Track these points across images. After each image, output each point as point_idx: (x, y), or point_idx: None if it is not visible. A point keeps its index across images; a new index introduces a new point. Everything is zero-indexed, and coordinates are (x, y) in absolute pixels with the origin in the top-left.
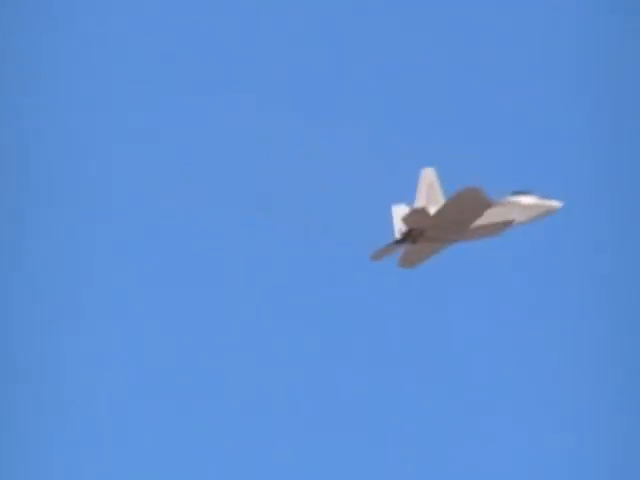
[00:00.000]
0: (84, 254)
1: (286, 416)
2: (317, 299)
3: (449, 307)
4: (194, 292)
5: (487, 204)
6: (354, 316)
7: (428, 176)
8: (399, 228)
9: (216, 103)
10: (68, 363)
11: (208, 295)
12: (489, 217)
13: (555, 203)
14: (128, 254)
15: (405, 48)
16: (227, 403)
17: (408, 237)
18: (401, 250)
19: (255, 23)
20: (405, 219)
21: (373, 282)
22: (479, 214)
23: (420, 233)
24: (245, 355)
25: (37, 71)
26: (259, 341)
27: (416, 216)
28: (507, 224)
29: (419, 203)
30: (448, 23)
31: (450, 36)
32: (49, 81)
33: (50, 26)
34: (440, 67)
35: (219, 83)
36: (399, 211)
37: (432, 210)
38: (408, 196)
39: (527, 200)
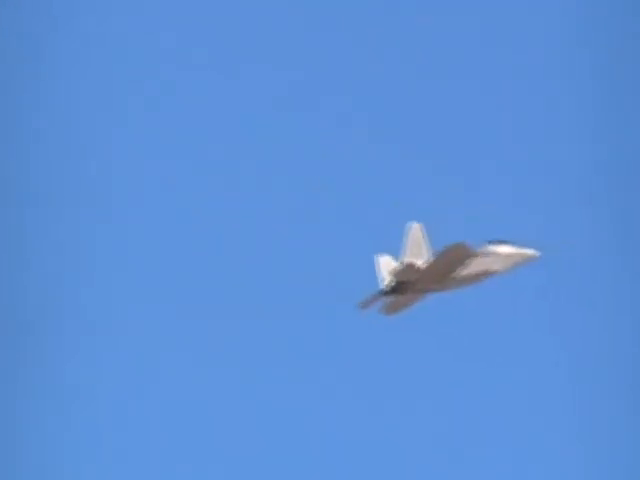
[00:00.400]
0: (84, 253)
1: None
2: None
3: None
4: (194, 296)
5: (472, 256)
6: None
7: (415, 231)
8: (385, 278)
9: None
10: (69, 363)
11: (207, 296)
12: (471, 268)
13: (532, 252)
14: (130, 254)
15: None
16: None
17: (396, 289)
18: (386, 299)
19: (253, 24)
20: (397, 274)
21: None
22: (463, 266)
23: (408, 285)
24: (245, 356)
25: (37, 68)
26: (257, 344)
27: (407, 271)
28: (488, 274)
29: (406, 257)
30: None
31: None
32: (50, 79)
33: (50, 25)
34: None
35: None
36: (383, 261)
37: (420, 263)
38: (390, 246)
39: (505, 250)
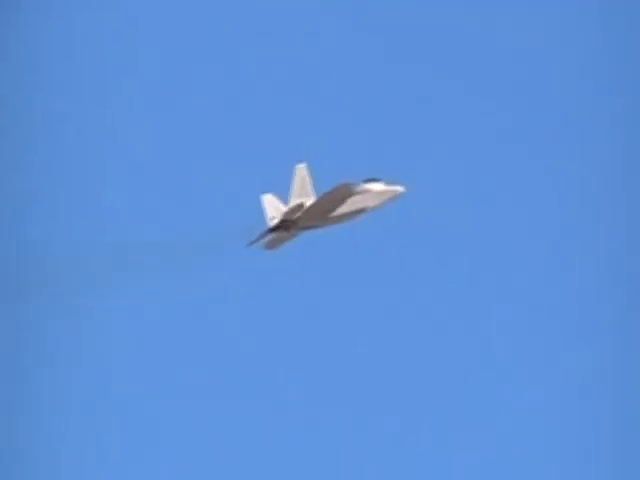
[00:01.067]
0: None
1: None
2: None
3: None
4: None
5: (352, 195)
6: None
7: (301, 172)
8: (271, 217)
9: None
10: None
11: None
12: (349, 206)
13: (400, 188)
14: None
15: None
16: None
17: (282, 226)
18: (270, 236)
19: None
20: (286, 212)
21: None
22: (342, 204)
23: (294, 223)
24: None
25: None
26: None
27: (295, 210)
28: (363, 211)
29: (294, 196)
30: None
31: None
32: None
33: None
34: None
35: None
36: (268, 200)
37: (306, 203)
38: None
39: (377, 187)
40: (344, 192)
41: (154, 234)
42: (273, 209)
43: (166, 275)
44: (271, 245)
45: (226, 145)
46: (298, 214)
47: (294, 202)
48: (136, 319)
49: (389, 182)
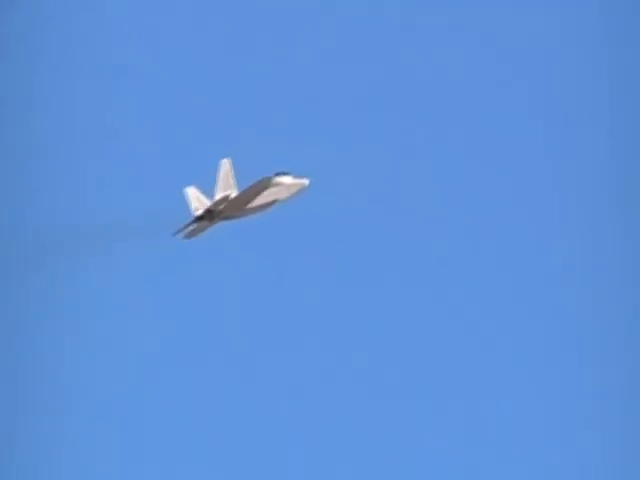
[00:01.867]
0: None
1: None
2: None
3: None
4: None
5: (269, 187)
6: None
7: (225, 166)
8: (196, 207)
9: None
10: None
11: None
12: (264, 198)
13: (305, 181)
14: None
15: None
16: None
17: (206, 216)
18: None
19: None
20: (213, 203)
21: None
22: (260, 196)
23: (218, 213)
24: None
25: None
26: None
27: (221, 201)
28: (276, 202)
29: (220, 188)
30: None
31: None
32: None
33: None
34: None
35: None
36: (191, 192)
37: (232, 195)
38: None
39: (287, 180)
40: (265, 184)
41: (84, 219)
42: (196, 201)
43: (94, 260)
44: (191, 234)
45: (153, 142)
46: (223, 205)
47: (220, 194)
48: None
49: (296, 176)
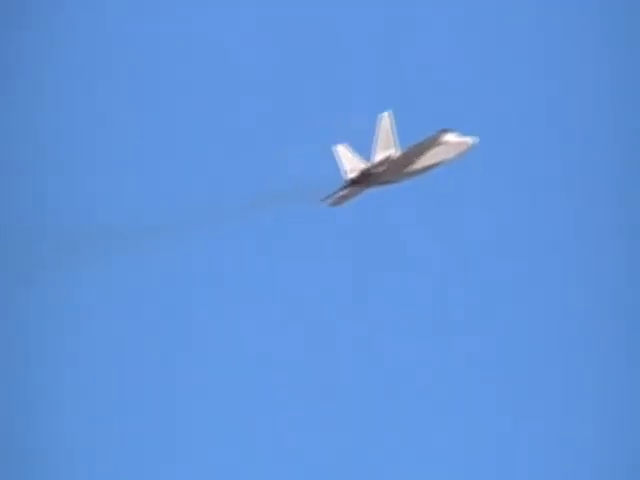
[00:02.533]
0: None
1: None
2: None
3: None
4: None
5: (438, 145)
6: None
7: (385, 121)
8: (349, 169)
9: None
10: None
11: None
12: (428, 159)
13: (473, 139)
14: None
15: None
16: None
17: (362, 180)
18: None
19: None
20: (374, 165)
21: None
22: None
23: (376, 176)
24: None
25: None
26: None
27: (383, 162)
28: (440, 164)
29: (378, 146)
30: None
31: None
32: None
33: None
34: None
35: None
36: (341, 151)
37: (393, 154)
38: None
39: (454, 139)
40: (433, 142)
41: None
42: (349, 161)
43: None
44: (340, 200)
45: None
46: (384, 167)
47: (381, 154)
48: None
49: (461, 134)
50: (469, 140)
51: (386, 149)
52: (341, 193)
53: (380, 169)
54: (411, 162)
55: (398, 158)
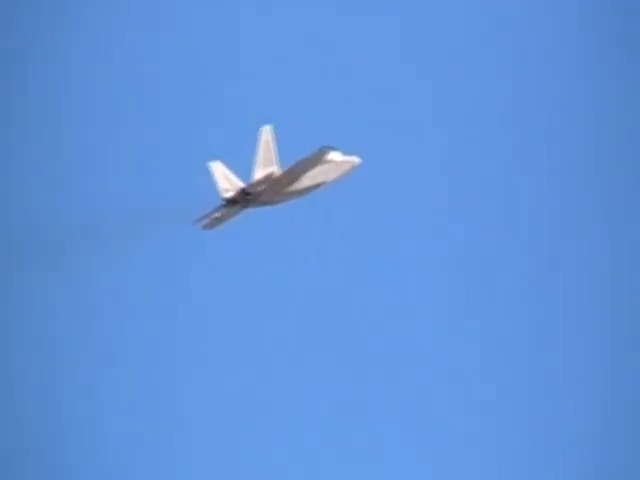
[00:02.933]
0: None
1: None
2: None
3: None
4: None
5: (322, 163)
6: None
7: (266, 135)
8: (225, 188)
9: None
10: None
11: None
12: (310, 179)
13: (356, 159)
14: None
15: None
16: None
17: (240, 200)
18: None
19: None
20: (253, 184)
21: None
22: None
23: (257, 195)
24: None
25: None
26: None
27: (263, 180)
28: (322, 184)
29: (260, 164)
30: None
31: None
32: None
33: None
34: None
35: None
36: (218, 168)
37: (275, 172)
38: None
39: (338, 157)
40: (318, 160)
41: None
42: (224, 180)
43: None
44: (214, 223)
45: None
46: (264, 186)
47: (261, 171)
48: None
49: (344, 152)
50: (354, 159)
51: (266, 166)
52: (216, 214)
53: (260, 188)
54: (292, 181)
55: (279, 177)
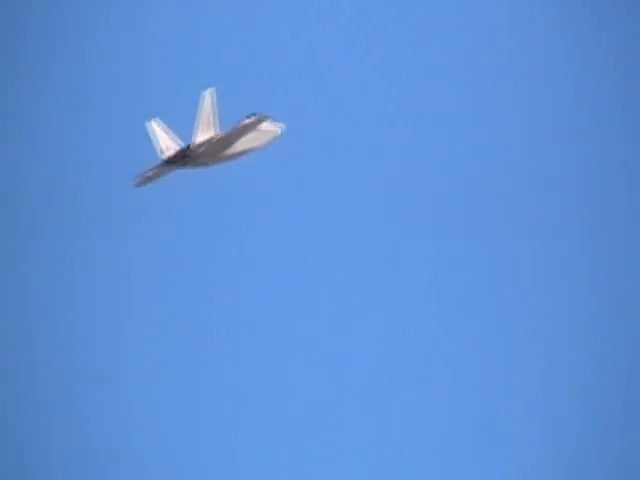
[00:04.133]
0: None
1: None
2: None
3: None
4: None
5: (253, 131)
6: None
7: (208, 98)
8: (164, 147)
9: None
10: None
11: None
12: (241, 144)
13: (279, 128)
14: None
15: None
16: None
17: (179, 159)
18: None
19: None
20: (196, 145)
21: None
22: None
23: (195, 157)
24: None
25: None
26: None
27: (204, 142)
28: (252, 151)
29: (199, 124)
30: None
31: None
32: None
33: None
34: None
35: None
36: (156, 128)
37: (214, 136)
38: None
39: (266, 127)
40: (253, 126)
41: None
42: (163, 139)
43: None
44: (146, 180)
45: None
46: (203, 148)
47: (204, 135)
48: None
49: (273, 120)
50: (277, 129)
51: (207, 129)
52: (150, 173)
53: (199, 150)
54: (228, 146)
55: (218, 141)
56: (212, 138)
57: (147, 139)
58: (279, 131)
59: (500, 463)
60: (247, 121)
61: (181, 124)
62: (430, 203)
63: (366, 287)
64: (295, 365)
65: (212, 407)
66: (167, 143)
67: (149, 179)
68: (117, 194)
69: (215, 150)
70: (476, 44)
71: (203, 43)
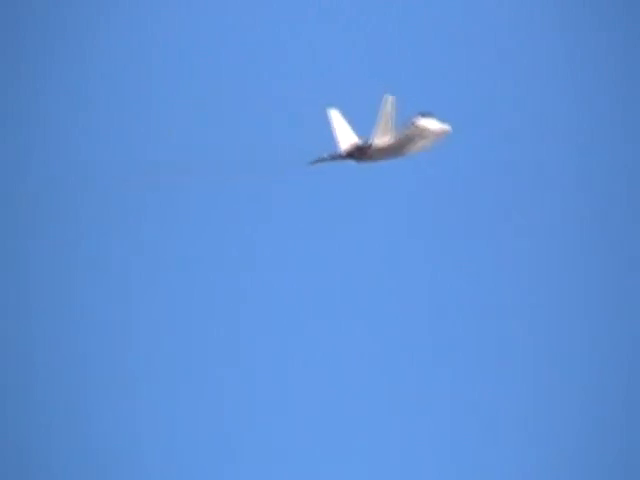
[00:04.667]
0: None
1: None
2: None
3: None
4: None
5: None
6: None
7: (388, 104)
8: (342, 140)
9: None
10: None
11: None
12: (416, 145)
13: (448, 127)
14: None
15: None
16: None
17: (356, 155)
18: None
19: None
20: (375, 146)
21: None
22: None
23: (370, 154)
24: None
25: None
26: None
27: (384, 147)
28: (422, 150)
29: (378, 127)
30: None
31: None
32: None
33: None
34: None
35: None
36: (335, 117)
37: (388, 137)
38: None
39: (434, 126)
40: (426, 131)
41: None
42: (342, 131)
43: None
44: (317, 162)
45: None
46: (381, 149)
47: (384, 137)
48: None
49: (440, 120)
50: (447, 127)
51: (385, 132)
52: (326, 156)
53: (376, 150)
54: (402, 148)
55: (392, 144)
56: (392, 143)
57: (150, 136)
58: (449, 129)
59: (500, 463)
60: (420, 123)
61: (179, 122)
62: (430, 203)
63: (366, 287)
64: (295, 365)
65: (212, 407)
66: (346, 136)
67: (322, 160)
68: (117, 194)
69: (389, 151)
70: (476, 44)
71: (203, 43)
